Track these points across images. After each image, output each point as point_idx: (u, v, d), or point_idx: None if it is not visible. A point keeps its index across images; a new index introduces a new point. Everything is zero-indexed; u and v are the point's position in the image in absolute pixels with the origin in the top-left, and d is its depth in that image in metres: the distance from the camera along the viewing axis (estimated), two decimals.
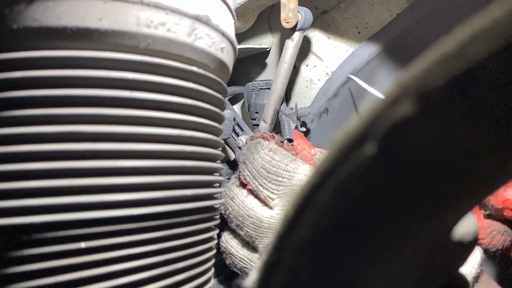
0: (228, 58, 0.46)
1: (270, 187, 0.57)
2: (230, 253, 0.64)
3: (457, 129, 0.13)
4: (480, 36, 0.12)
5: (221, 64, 0.44)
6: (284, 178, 0.57)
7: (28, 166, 0.33)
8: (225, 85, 0.47)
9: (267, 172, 0.57)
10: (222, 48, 0.43)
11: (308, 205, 0.19)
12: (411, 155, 0.14)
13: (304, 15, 0.75)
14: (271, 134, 0.63)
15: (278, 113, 0.81)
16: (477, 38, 0.12)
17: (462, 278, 0.33)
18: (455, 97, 0.12)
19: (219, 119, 0.47)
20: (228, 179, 0.79)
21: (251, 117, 0.88)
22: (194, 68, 0.40)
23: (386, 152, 0.15)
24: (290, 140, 0.75)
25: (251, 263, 0.62)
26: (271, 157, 0.58)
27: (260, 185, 0.58)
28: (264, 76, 0.96)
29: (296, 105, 0.83)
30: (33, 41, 0.34)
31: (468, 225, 0.27)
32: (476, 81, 0.12)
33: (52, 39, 0.34)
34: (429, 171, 0.15)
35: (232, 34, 0.45)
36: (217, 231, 0.49)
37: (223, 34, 0.42)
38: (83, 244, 0.34)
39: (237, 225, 0.60)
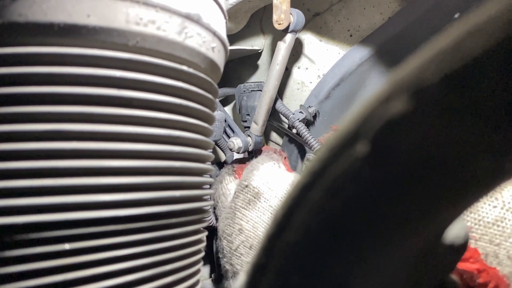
0: (219, 58, 0.45)
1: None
2: None
3: (451, 127, 0.13)
4: (476, 32, 0.12)
5: (212, 63, 0.44)
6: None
7: (11, 165, 0.32)
8: (216, 85, 0.46)
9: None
10: (213, 48, 0.42)
11: (298, 206, 0.18)
12: (404, 154, 0.14)
13: (296, 17, 0.75)
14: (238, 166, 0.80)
15: (289, 121, 0.80)
16: (473, 34, 0.12)
17: (452, 283, 0.33)
18: (450, 93, 0.12)
19: (209, 119, 0.46)
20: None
21: (242, 119, 0.88)
22: (184, 67, 0.39)
23: (378, 151, 0.14)
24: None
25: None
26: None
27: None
28: (255, 78, 0.96)
29: (302, 106, 0.82)
30: (19, 36, 0.33)
31: (459, 228, 0.27)
32: (471, 77, 0.12)
33: (39, 35, 0.33)
34: (422, 171, 0.15)
35: (223, 34, 0.45)
36: (206, 233, 0.48)
37: (214, 34, 0.42)
38: (67, 246, 0.33)
39: None
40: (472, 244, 0.45)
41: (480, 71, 0.12)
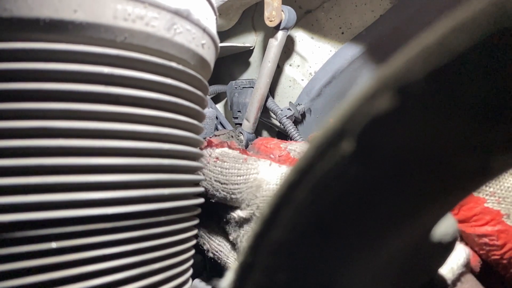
0: (209, 55, 0.45)
1: (229, 195, 0.55)
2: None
3: (437, 124, 0.13)
4: (462, 28, 0.12)
5: (202, 60, 0.43)
6: (240, 183, 0.54)
7: None
8: (206, 82, 0.46)
9: (222, 183, 0.54)
10: (202, 44, 0.42)
11: (285, 204, 0.18)
12: (390, 151, 0.14)
13: (287, 14, 0.74)
14: (215, 138, 0.61)
15: (277, 117, 0.80)
16: (459, 29, 0.12)
17: (442, 280, 0.33)
18: (435, 90, 0.12)
19: (199, 116, 0.46)
20: None
21: (233, 116, 0.88)
22: (173, 64, 0.39)
23: (364, 148, 0.14)
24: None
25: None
26: (220, 167, 0.55)
27: (220, 196, 0.56)
28: (247, 75, 0.95)
29: (291, 103, 0.82)
30: (4, 32, 0.32)
31: (447, 225, 0.27)
32: (457, 74, 0.12)
33: (24, 31, 0.33)
34: (409, 168, 0.14)
35: (213, 30, 0.44)
36: (195, 231, 0.48)
37: (204, 30, 0.42)
38: (54, 244, 0.33)
39: None
40: (495, 206, 0.46)
41: (466, 68, 0.12)
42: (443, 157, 0.14)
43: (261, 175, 0.53)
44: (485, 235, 0.46)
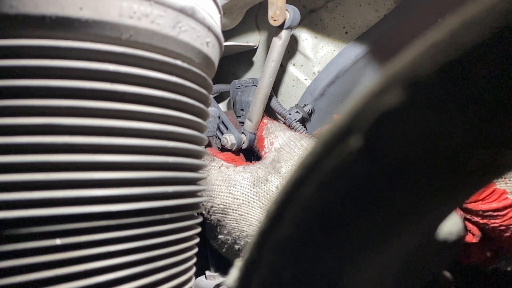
0: (214, 53, 0.45)
1: None
2: None
3: (447, 119, 0.13)
4: (471, 23, 0.12)
5: (206, 58, 0.43)
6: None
7: (2, 159, 0.32)
8: (210, 81, 0.46)
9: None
10: (207, 43, 0.42)
11: (291, 201, 0.18)
12: (398, 147, 0.14)
13: (291, 13, 0.74)
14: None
15: (286, 121, 0.80)
16: (468, 25, 0.12)
17: (446, 278, 0.33)
18: (445, 85, 0.12)
19: (203, 115, 0.46)
20: None
21: (236, 115, 0.88)
22: (178, 62, 0.39)
23: (372, 144, 0.14)
24: None
25: None
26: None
27: None
28: (250, 74, 0.95)
29: (298, 106, 0.81)
30: (10, 29, 0.33)
31: (452, 224, 0.27)
32: (467, 68, 0.12)
33: (30, 28, 0.33)
34: (416, 165, 0.14)
35: (218, 29, 0.44)
36: (199, 229, 0.48)
37: (209, 28, 0.42)
38: (58, 241, 0.33)
39: None
40: (502, 186, 0.51)
41: (476, 62, 0.12)
42: (452, 152, 0.14)
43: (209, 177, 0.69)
44: (490, 210, 0.51)
